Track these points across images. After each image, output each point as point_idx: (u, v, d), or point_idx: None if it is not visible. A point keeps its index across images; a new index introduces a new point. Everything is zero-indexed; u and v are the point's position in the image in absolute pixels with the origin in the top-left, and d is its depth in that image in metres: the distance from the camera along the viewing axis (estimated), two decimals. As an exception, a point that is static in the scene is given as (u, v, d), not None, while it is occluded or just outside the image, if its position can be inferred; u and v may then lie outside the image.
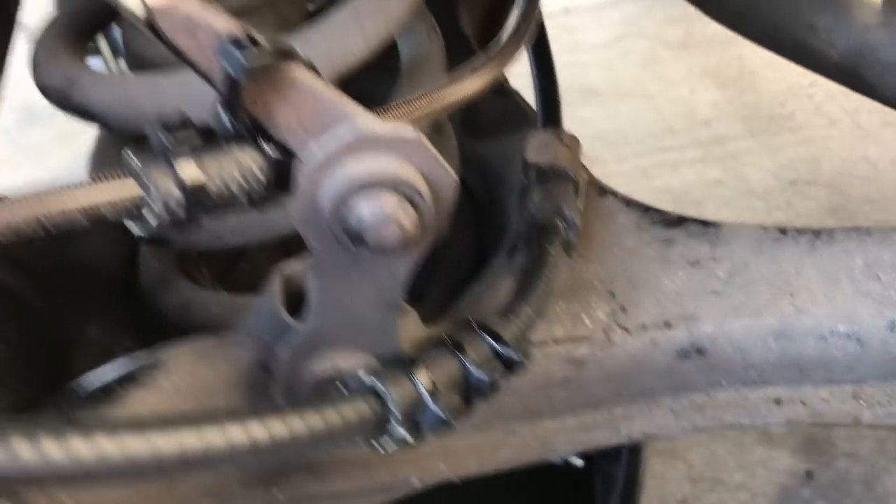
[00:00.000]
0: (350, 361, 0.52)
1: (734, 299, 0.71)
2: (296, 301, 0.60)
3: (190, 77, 0.47)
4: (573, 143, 0.74)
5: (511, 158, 0.88)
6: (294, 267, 0.60)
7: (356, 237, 0.45)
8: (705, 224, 0.77)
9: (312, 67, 0.44)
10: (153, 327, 0.85)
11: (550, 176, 0.71)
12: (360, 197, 0.44)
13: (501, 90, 0.94)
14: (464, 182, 0.88)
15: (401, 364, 0.49)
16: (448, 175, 0.45)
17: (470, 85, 0.55)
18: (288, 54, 0.42)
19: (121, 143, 0.77)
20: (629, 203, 0.79)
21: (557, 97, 0.78)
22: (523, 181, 0.73)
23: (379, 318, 0.51)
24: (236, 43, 0.39)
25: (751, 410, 0.73)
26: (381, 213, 0.43)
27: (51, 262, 0.85)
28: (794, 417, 0.72)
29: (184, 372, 0.55)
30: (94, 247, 0.89)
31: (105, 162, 0.75)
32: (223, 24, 0.41)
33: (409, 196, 0.44)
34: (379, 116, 0.48)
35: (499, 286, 0.74)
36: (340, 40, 0.59)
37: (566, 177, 0.71)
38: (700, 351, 0.71)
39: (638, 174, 2.05)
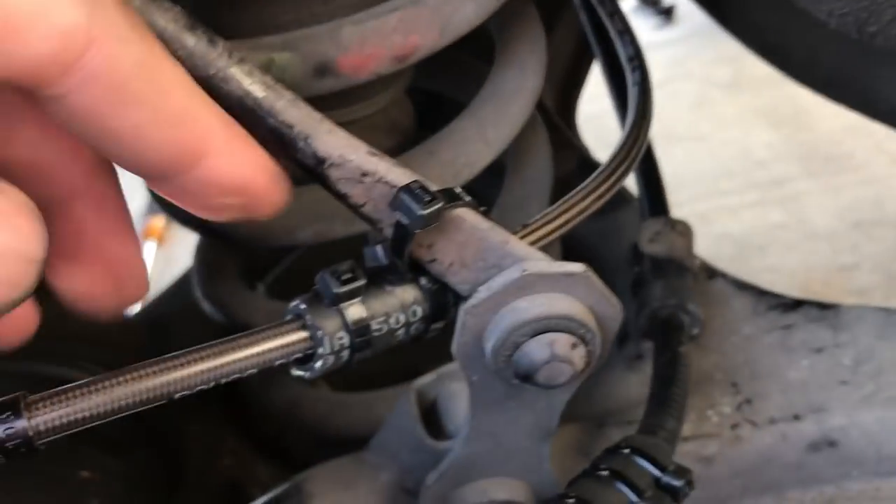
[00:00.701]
0: (503, 492, 0.51)
1: (864, 389, 0.69)
2: (427, 415, 0.59)
3: (315, 193, 0.46)
4: (686, 231, 0.73)
5: (608, 237, 0.87)
6: (425, 380, 0.59)
7: (524, 377, 0.43)
8: (823, 307, 0.74)
9: (476, 207, 0.43)
10: (257, 425, 0.84)
11: (668, 267, 0.69)
12: (529, 337, 0.42)
13: (595, 169, 0.93)
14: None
15: (557, 500, 0.47)
16: (615, 307, 0.44)
17: (594, 200, 0.54)
18: (457, 198, 0.41)
19: (229, 255, 0.78)
20: (741, 286, 0.77)
21: (662, 183, 0.77)
22: (637, 271, 0.72)
23: (532, 445, 0.50)
24: (409, 193, 0.39)
25: (883, 502, 0.70)
26: (552, 354, 0.42)
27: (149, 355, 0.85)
28: (932, 510, 0.69)
29: (328, 501, 0.54)
30: (192, 341, 0.88)
31: (217, 275, 0.75)
32: (396, 174, 0.40)
33: (580, 335, 0.43)
34: (522, 238, 0.48)
35: (615, 382, 0.73)
36: (465, 151, 0.59)
37: (684, 267, 0.70)
38: (832, 443, 0.68)
39: (697, 219, 2.01)
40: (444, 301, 0.44)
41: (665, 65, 2.49)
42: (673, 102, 2.39)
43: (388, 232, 0.42)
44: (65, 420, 0.36)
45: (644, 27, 2.64)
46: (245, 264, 0.82)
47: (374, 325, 0.42)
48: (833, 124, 2.17)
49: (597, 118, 1.80)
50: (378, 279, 0.43)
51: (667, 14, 2.61)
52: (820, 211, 1.99)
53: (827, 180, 2.07)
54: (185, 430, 0.80)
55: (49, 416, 0.36)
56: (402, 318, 0.43)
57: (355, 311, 0.41)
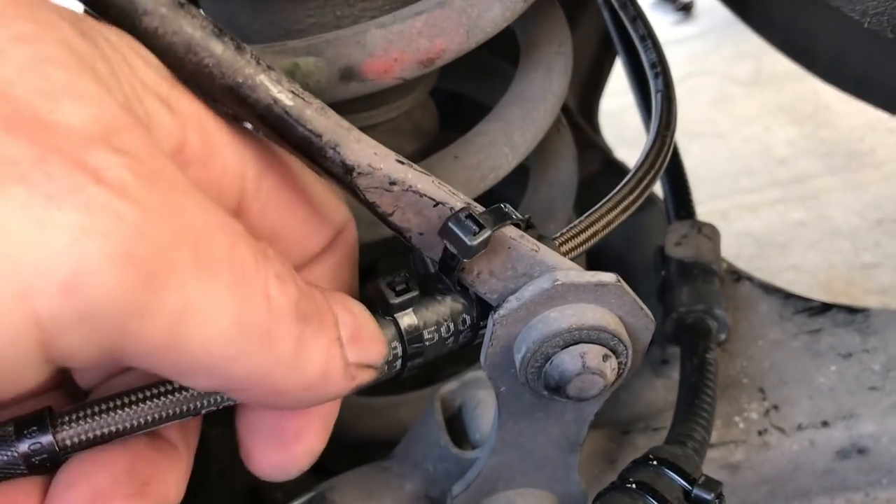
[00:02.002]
0: (530, 503, 0.50)
1: (894, 396, 0.68)
2: (451, 423, 0.58)
3: None
4: (713, 234, 0.72)
5: (634, 240, 0.86)
6: (449, 387, 0.58)
7: (555, 388, 0.43)
8: (852, 311, 0.73)
9: (522, 223, 0.42)
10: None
11: (695, 272, 0.68)
12: (561, 349, 0.42)
13: (618, 170, 0.92)
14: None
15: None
16: (647, 317, 0.43)
17: (628, 203, 0.53)
18: (504, 217, 0.40)
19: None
20: (768, 289, 0.76)
21: (688, 185, 0.76)
22: (663, 275, 0.71)
23: (560, 456, 0.49)
24: (458, 223, 0.38)
25: (913, 511, 0.69)
26: (584, 366, 0.41)
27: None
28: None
29: (352, 510, 0.53)
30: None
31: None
32: (425, 183, 0.40)
33: (612, 347, 0.42)
34: (555, 248, 0.47)
35: (640, 387, 0.72)
36: (491, 155, 0.58)
37: (711, 271, 0.69)
38: (861, 451, 0.67)
39: (717, 217, 2.00)
40: (490, 307, 0.44)
41: (684, 61, 2.46)
42: (692, 99, 2.36)
43: (417, 241, 0.42)
44: (91, 435, 0.36)
45: (663, 23, 2.62)
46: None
47: (427, 334, 0.42)
48: (854, 121, 2.14)
49: (617, 115, 1.79)
50: (429, 288, 0.42)
51: (686, 10, 2.58)
52: (842, 209, 1.97)
53: (849, 178, 2.04)
54: (207, 434, 0.80)
55: (75, 430, 0.35)
56: (452, 327, 0.43)
57: (409, 320, 0.41)
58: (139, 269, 0.27)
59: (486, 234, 0.38)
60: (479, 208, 0.40)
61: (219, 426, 0.81)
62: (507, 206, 0.41)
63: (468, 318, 0.43)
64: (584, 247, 0.49)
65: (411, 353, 0.41)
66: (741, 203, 2.03)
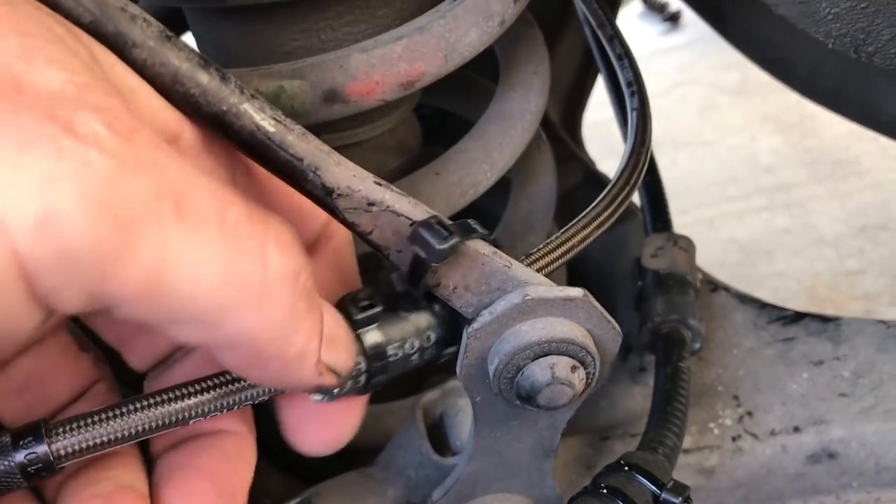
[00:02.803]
0: (507, 506, 0.52)
1: (864, 402, 0.70)
2: (433, 431, 0.60)
3: None
4: (689, 246, 0.74)
5: (613, 251, 0.88)
6: (431, 396, 0.60)
7: (526, 398, 0.45)
8: (824, 320, 0.76)
9: (488, 238, 0.44)
10: (268, 438, 0.85)
11: (670, 283, 0.70)
12: (531, 360, 0.44)
13: (599, 182, 0.95)
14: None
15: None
16: (614, 329, 0.45)
17: (604, 219, 0.55)
18: (471, 231, 0.42)
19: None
20: (743, 299, 0.78)
21: (664, 198, 0.78)
22: (640, 286, 0.73)
23: (535, 462, 0.51)
24: (428, 228, 0.40)
25: (884, 512, 0.71)
26: (553, 377, 0.43)
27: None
28: (932, 520, 0.70)
29: (336, 515, 0.55)
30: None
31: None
32: (402, 204, 0.42)
33: (580, 358, 0.44)
34: (529, 264, 0.49)
35: (618, 394, 0.74)
36: (470, 172, 0.60)
37: (686, 282, 0.71)
38: (831, 455, 0.70)
39: (703, 225, 2.04)
40: (456, 326, 0.45)
41: (671, 70, 2.49)
42: (679, 108, 2.39)
43: (395, 258, 0.44)
44: (84, 445, 0.38)
45: (650, 33, 2.65)
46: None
47: (391, 351, 0.43)
48: (839, 130, 2.17)
49: (604, 125, 1.81)
50: (394, 305, 0.44)
51: (673, 20, 2.61)
52: (826, 216, 2.00)
53: (833, 186, 2.07)
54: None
55: (70, 440, 0.37)
56: (417, 344, 0.44)
57: (373, 336, 0.43)
58: (112, 216, 0.28)
59: (454, 240, 0.40)
60: (449, 221, 0.42)
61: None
62: (474, 221, 0.43)
63: (433, 335, 0.44)
64: (561, 261, 0.51)
65: (375, 370, 0.43)
66: (727, 210, 2.06)
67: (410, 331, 0.44)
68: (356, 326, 0.42)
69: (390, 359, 0.43)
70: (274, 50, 0.57)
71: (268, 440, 0.85)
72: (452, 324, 0.45)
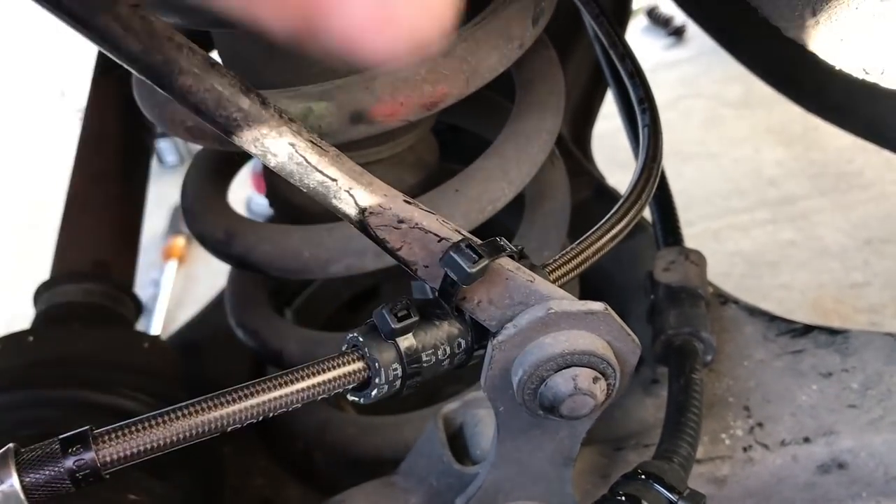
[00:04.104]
0: (528, 513, 0.53)
1: (872, 413, 0.71)
2: (453, 440, 0.62)
3: (348, 230, 0.50)
4: (700, 260, 0.76)
5: (624, 263, 0.90)
6: (451, 406, 0.62)
7: (549, 408, 0.46)
8: (832, 332, 0.77)
9: (517, 254, 0.46)
10: (288, 447, 0.87)
11: (682, 296, 0.72)
12: (554, 372, 0.45)
13: (609, 196, 0.96)
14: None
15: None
16: (633, 342, 0.47)
17: (616, 232, 0.57)
18: (500, 250, 0.44)
19: (261, 285, 0.81)
20: (753, 312, 0.80)
21: (675, 213, 0.80)
22: (652, 299, 0.75)
23: (555, 470, 0.53)
24: (459, 252, 0.42)
25: (892, 522, 0.73)
26: (576, 388, 0.45)
27: (183, 382, 0.88)
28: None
29: (362, 523, 0.57)
30: (223, 366, 0.92)
31: (250, 303, 0.78)
32: (430, 221, 0.43)
33: (601, 369, 0.46)
34: (546, 276, 0.51)
35: (632, 406, 0.75)
36: (489, 189, 0.62)
37: (698, 296, 0.73)
38: (841, 465, 0.71)
39: (709, 237, 2.05)
40: (484, 332, 0.47)
41: (676, 84, 2.51)
42: (684, 121, 2.42)
43: (423, 273, 0.45)
44: (129, 452, 0.39)
45: (655, 47, 2.68)
46: (273, 289, 0.86)
47: (425, 357, 0.45)
48: (843, 142, 2.19)
49: (611, 136, 1.83)
50: (427, 313, 0.46)
51: (677, 34, 2.64)
52: (831, 229, 2.01)
53: (837, 198, 2.09)
54: (221, 452, 0.83)
55: (115, 448, 0.39)
56: (448, 350, 0.46)
57: (409, 344, 0.45)
58: None
59: (483, 262, 0.42)
60: (478, 241, 0.43)
61: (232, 444, 0.85)
62: (503, 238, 0.45)
63: (463, 342, 0.46)
64: (576, 272, 0.53)
65: (410, 373, 0.45)
66: (732, 223, 2.08)
67: (443, 338, 0.45)
68: (394, 335, 0.44)
69: (424, 364, 0.45)
70: (301, 72, 0.59)
71: (285, 449, 0.87)
72: (482, 330, 0.47)
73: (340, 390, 0.43)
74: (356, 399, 0.45)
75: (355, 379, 0.43)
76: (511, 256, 0.45)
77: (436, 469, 0.59)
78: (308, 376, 0.42)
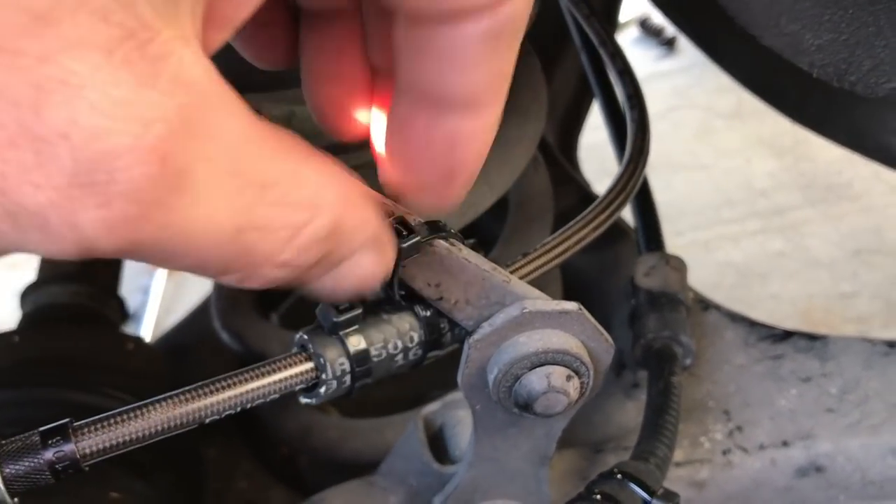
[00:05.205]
0: (504, 512, 0.54)
1: (850, 417, 0.72)
2: (433, 441, 0.63)
3: None
4: (680, 266, 0.77)
5: (608, 270, 0.91)
6: (431, 408, 0.63)
7: (524, 406, 0.47)
8: (812, 338, 0.78)
9: (459, 239, 0.46)
10: (271, 450, 0.88)
11: (662, 301, 0.73)
12: (529, 370, 0.46)
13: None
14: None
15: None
16: (606, 341, 0.48)
17: (590, 231, 0.58)
18: (439, 230, 0.45)
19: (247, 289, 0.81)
20: (734, 318, 0.81)
21: (657, 218, 0.81)
22: (633, 304, 0.76)
23: (531, 469, 0.54)
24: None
25: (870, 525, 0.74)
26: (549, 386, 0.46)
27: (169, 383, 0.88)
28: (916, 533, 0.72)
29: (341, 521, 0.57)
30: (210, 369, 0.92)
31: (236, 307, 0.79)
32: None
33: (574, 368, 0.46)
34: (521, 267, 0.52)
35: (612, 409, 0.76)
36: (469, 193, 0.63)
37: (678, 301, 0.74)
38: (819, 469, 0.72)
39: (699, 248, 2.06)
40: (438, 327, 0.47)
41: (667, 95, 2.53)
42: (675, 132, 2.43)
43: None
44: (108, 444, 0.40)
45: (646, 58, 2.70)
46: (260, 294, 0.86)
47: (374, 351, 0.45)
48: (833, 154, 2.20)
49: (598, 148, 1.85)
50: (375, 309, 0.46)
51: (669, 45, 2.66)
52: (820, 240, 2.02)
53: (827, 209, 2.10)
54: (204, 454, 0.84)
55: (94, 440, 0.40)
56: (400, 344, 0.46)
57: (354, 337, 0.45)
58: None
59: (414, 238, 0.42)
60: (419, 220, 0.44)
61: (216, 447, 0.86)
62: (442, 221, 0.45)
63: (416, 336, 0.46)
64: (554, 263, 0.53)
65: (359, 372, 0.44)
66: (723, 233, 2.09)
67: (392, 332, 0.45)
68: (338, 328, 0.43)
69: (374, 360, 0.44)
70: (284, 76, 0.60)
71: (269, 452, 0.88)
72: (436, 325, 0.47)
73: (294, 388, 0.43)
74: (308, 400, 0.45)
75: (305, 378, 0.43)
76: (453, 239, 0.45)
77: (415, 469, 0.59)
78: (259, 376, 0.42)
